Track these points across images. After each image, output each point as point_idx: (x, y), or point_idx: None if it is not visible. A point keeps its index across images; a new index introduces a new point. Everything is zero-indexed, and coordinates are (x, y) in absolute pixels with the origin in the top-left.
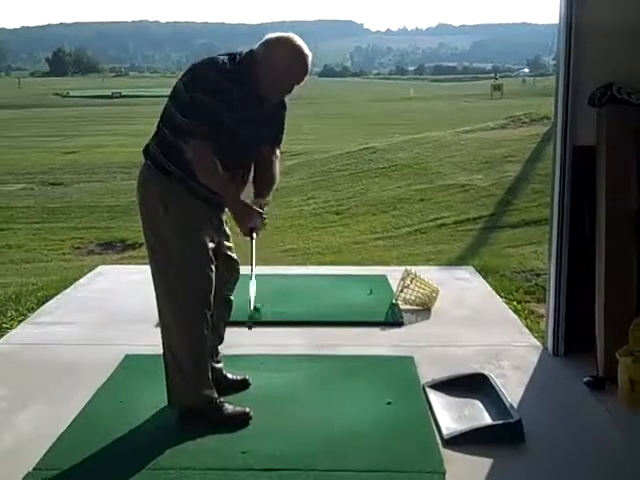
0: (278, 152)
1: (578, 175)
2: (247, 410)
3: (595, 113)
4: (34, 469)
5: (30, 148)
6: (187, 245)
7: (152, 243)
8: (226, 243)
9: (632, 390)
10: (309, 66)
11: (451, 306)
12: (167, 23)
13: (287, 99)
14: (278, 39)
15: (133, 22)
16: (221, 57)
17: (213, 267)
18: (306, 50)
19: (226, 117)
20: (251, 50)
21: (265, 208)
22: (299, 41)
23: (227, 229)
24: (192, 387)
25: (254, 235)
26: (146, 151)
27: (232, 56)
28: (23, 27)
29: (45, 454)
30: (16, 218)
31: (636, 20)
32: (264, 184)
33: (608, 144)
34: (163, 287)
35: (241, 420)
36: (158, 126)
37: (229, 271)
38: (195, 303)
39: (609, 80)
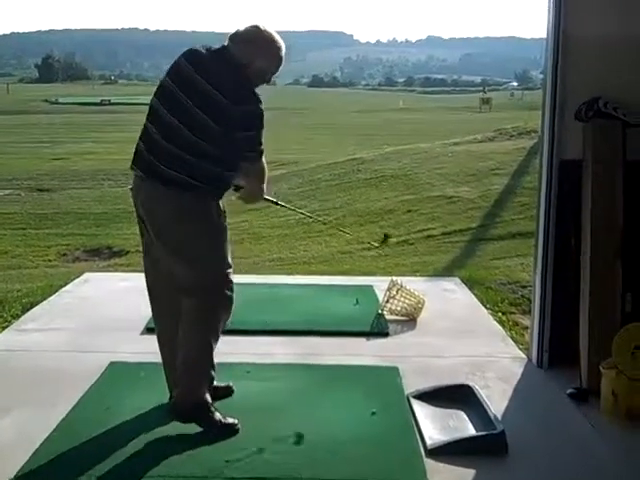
0: None
1: (564, 189)
2: (236, 422)
3: (582, 127)
4: (15, 476)
5: (18, 154)
6: (216, 253)
7: (181, 248)
8: None
9: (615, 402)
10: (284, 55)
11: (436, 317)
12: (157, 31)
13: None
14: (254, 43)
15: (123, 29)
16: (242, 89)
17: (231, 269)
18: (280, 42)
19: None
20: (232, 54)
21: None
22: (272, 37)
23: None
24: (198, 385)
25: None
26: (152, 172)
27: (239, 78)
28: (13, 33)
29: (27, 461)
30: (2, 224)
31: (623, 35)
32: None
33: (594, 158)
34: (192, 297)
35: (230, 430)
36: (167, 148)
37: None
38: (219, 310)
39: (595, 94)
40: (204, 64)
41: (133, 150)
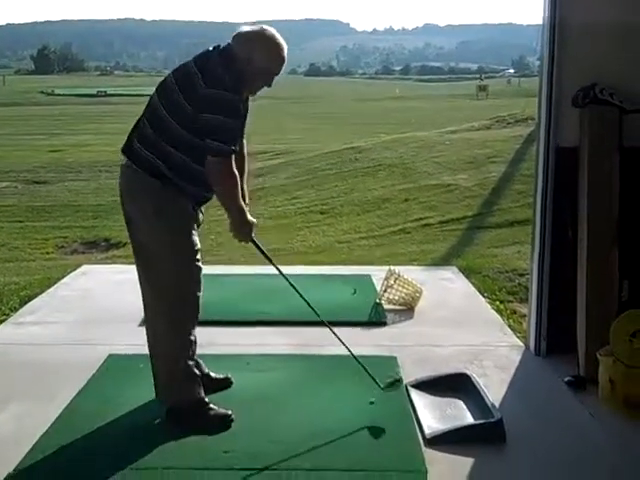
0: (245, 142)
1: (561, 176)
2: (229, 412)
3: (578, 114)
4: (15, 469)
5: (14, 146)
6: (178, 246)
7: (141, 245)
8: None
9: (612, 390)
10: (286, 56)
11: (434, 306)
12: (152, 21)
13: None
14: (254, 40)
15: (118, 20)
16: (220, 72)
17: (201, 267)
18: (282, 43)
19: (238, 128)
20: (231, 48)
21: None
22: (274, 36)
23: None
24: (177, 387)
25: (255, 240)
26: (134, 155)
27: (227, 66)
28: (8, 24)
29: (27, 454)
30: None
31: (619, 22)
32: (241, 182)
33: (591, 145)
34: (152, 288)
35: (223, 422)
36: (148, 132)
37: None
38: (184, 304)
39: (592, 81)
40: (203, 53)
41: None
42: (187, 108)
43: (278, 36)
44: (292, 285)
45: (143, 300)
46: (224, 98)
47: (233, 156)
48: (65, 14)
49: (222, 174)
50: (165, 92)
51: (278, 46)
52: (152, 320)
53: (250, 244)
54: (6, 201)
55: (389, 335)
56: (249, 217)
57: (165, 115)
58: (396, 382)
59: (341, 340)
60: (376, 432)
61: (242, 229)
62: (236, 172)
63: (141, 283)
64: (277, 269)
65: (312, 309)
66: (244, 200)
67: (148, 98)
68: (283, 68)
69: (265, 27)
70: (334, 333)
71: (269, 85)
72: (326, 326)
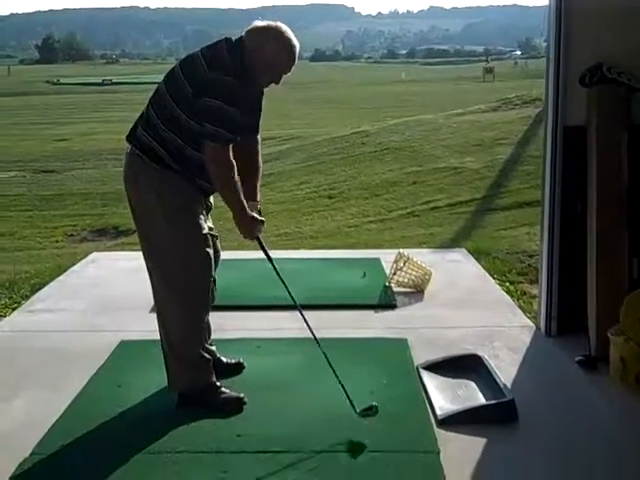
0: (259, 139)
1: (569, 155)
2: (242, 396)
3: (586, 93)
4: (31, 454)
5: (21, 136)
6: (184, 231)
7: (146, 231)
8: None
9: (624, 369)
10: (297, 56)
11: (444, 288)
12: (157, 9)
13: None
14: (266, 32)
15: (123, 8)
16: (224, 56)
17: (211, 251)
18: (294, 40)
19: (239, 117)
20: (241, 39)
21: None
22: (287, 32)
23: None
24: (188, 372)
25: (260, 239)
26: (136, 140)
27: (233, 52)
28: (12, 14)
29: (41, 439)
30: (8, 206)
31: (625, 0)
32: (253, 180)
33: (598, 124)
34: (159, 274)
35: (236, 406)
36: (152, 118)
37: (215, 254)
38: (193, 289)
39: (599, 60)
40: (212, 43)
41: None
42: (189, 92)
43: (292, 35)
44: (276, 271)
45: (152, 286)
46: (225, 83)
47: (232, 147)
48: (68, 3)
49: (218, 162)
50: (170, 79)
51: (290, 42)
52: (161, 306)
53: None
54: (14, 191)
55: (399, 318)
56: (250, 213)
57: (169, 101)
58: (374, 407)
59: (311, 329)
60: (388, 414)
61: (242, 224)
62: (234, 162)
63: (149, 269)
64: (276, 271)
65: (291, 296)
66: (254, 198)
67: (154, 86)
68: (292, 69)
69: (280, 24)
70: (306, 322)
71: (277, 82)
72: (301, 314)
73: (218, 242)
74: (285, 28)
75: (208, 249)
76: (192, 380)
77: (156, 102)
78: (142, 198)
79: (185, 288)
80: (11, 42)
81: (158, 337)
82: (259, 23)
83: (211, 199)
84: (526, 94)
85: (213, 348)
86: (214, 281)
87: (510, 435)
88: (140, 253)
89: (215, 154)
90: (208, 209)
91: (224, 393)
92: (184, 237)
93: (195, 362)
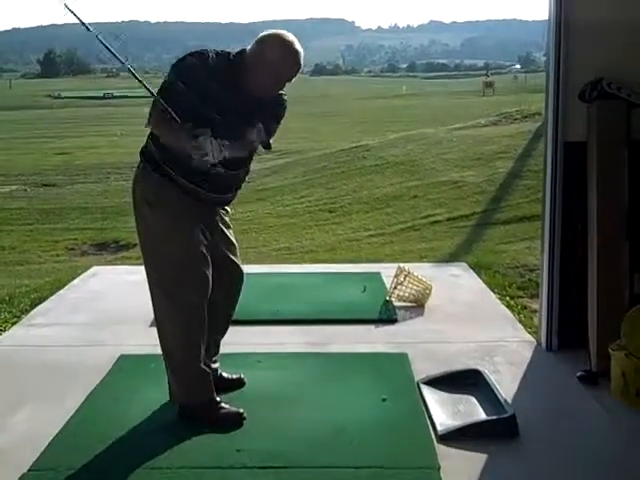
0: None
1: (569, 171)
2: (241, 411)
3: (586, 108)
4: (30, 470)
5: (22, 149)
6: (176, 243)
7: (142, 243)
8: (224, 247)
9: (625, 384)
10: (301, 62)
11: (444, 303)
12: (157, 23)
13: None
14: (269, 36)
15: (123, 22)
16: (211, 51)
17: (209, 264)
18: (297, 46)
19: (191, 98)
20: (244, 49)
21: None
22: (290, 37)
23: (228, 233)
24: (189, 386)
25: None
26: (142, 150)
27: (225, 53)
28: (14, 29)
29: (41, 454)
30: (9, 220)
31: (625, 15)
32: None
33: (599, 139)
34: (157, 287)
35: (235, 420)
36: None
37: (229, 275)
38: (190, 303)
39: (599, 75)
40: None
41: (137, 143)
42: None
43: (298, 44)
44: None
45: (152, 300)
46: (185, 60)
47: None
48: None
49: (158, 129)
50: None
51: (294, 46)
52: (161, 321)
53: None
54: (15, 204)
55: (400, 332)
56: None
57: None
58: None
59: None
60: (389, 429)
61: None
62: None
63: (149, 283)
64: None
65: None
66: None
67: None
68: (297, 75)
69: (286, 32)
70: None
71: (280, 88)
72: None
73: (239, 269)
74: (288, 35)
75: (206, 262)
76: (192, 394)
77: None
78: (138, 211)
79: (180, 304)
80: (13, 56)
81: (158, 351)
82: (263, 33)
83: (228, 209)
84: (526, 108)
85: (216, 365)
86: (230, 316)
87: (511, 450)
88: (141, 267)
89: (155, 123)
90: (225, 238)
91: (224, 408)
92: (178, 250)
93: (195, 376)
